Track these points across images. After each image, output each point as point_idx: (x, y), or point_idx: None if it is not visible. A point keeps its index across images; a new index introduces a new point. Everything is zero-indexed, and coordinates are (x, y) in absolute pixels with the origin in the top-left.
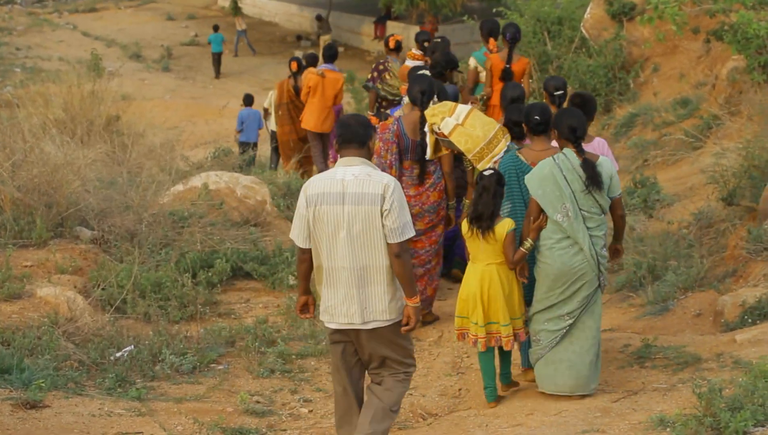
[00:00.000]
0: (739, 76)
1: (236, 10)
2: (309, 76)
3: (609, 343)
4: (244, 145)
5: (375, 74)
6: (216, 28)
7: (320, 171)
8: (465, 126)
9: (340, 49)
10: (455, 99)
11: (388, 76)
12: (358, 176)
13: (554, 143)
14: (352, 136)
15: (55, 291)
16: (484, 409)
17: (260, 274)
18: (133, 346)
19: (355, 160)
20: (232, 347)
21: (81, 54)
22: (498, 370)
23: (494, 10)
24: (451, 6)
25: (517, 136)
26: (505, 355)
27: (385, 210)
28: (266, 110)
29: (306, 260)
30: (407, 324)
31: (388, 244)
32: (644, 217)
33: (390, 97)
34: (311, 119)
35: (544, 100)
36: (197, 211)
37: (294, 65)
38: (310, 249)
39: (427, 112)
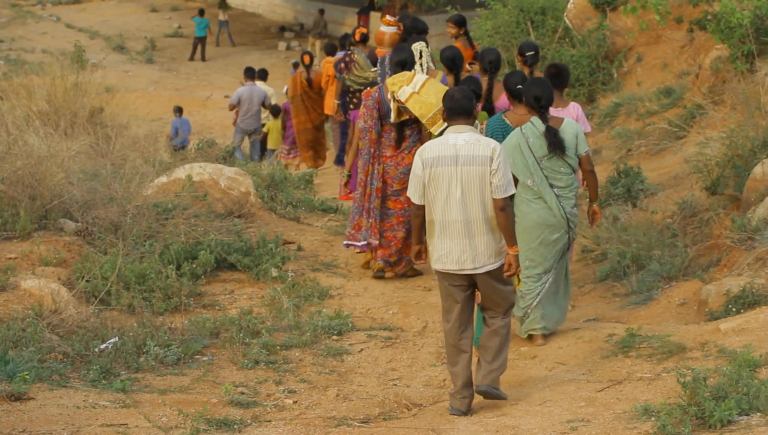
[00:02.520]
0: (722, 66)
1: (222, 3)
2: (326, 65)
3: (593, 333)
4: (180, 149)
5: (342, 65)
6: (201, 13)
7: (337, 152)
8: (420, 94)
9: (324, 41)
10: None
11: (353, 68)
12: (468, 141)
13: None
14: (460, 109)
15: (39, 283)
16: None
17: (244, 265)
18: (117, 338)
19: (463, 127)
20: (216, 338)
21: (64, 46)
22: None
23: (477, 0)
24: None
25: None
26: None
27: (494, 169)
28: (233, 106)
29: (420, 215)
30: (509, 269)
31: (494, 199)
32: (628, 206)
33: (355, 87)
34: (330, 103)
35: (517, 63)
36: (181, 202)
37: (306, 58)
38: (423, 205)
39: (388, 81)
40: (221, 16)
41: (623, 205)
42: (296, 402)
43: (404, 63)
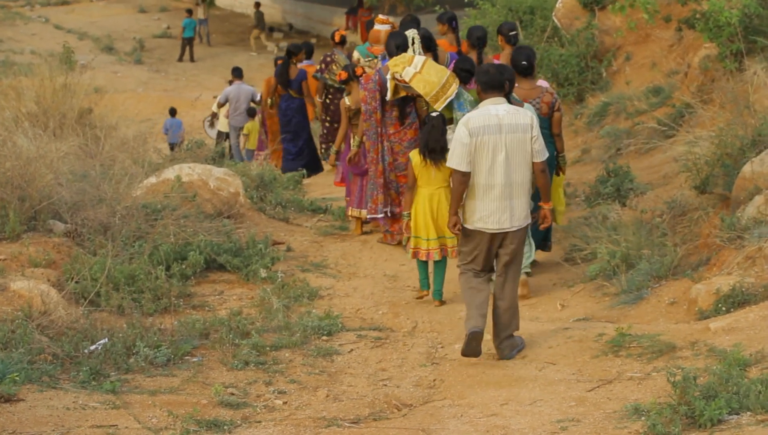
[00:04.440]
0: (711, 64)
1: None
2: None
3: (583, 332)
4: (171, 145)
5: (323, 65)
6: (190, 13)
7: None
8: (422, 73)
9: (312, 41)
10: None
11: (334, 67)
12: (508, 111)
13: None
14: (495, 82)
15: (28, 284)
16: (459, 399)
17: (234, 266)
18: (107, 339)
19: (499, 99)
20: (206, 339)
21: (53, 47)
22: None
23: (466, 0)
24: None
25: (464, 81)
26: (439, 272)
27: (534, 136)
28: (215, 114)
29: (465, 182)
30: (544, 222)
31: (534, 162)
32: (617, 205)
33: (336, 85)
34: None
35: (500, 42)
36: (170, 203)
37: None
38: (470, 172)
39: (389, 63)
40: (200, 15)
41: (612, 204)
42: (286, 403)
43: (399, 46)
